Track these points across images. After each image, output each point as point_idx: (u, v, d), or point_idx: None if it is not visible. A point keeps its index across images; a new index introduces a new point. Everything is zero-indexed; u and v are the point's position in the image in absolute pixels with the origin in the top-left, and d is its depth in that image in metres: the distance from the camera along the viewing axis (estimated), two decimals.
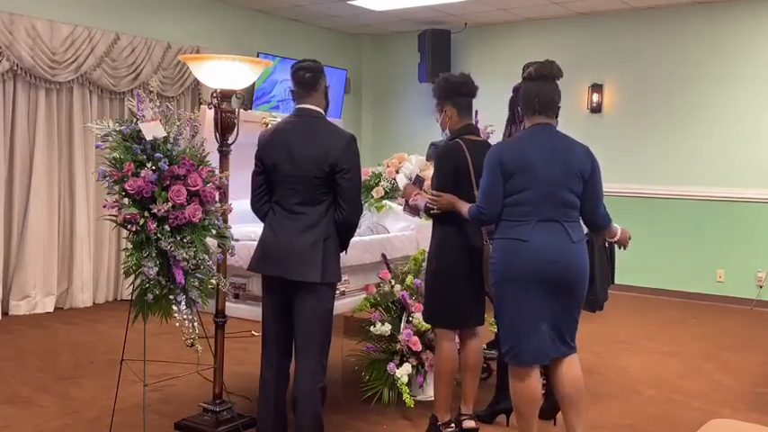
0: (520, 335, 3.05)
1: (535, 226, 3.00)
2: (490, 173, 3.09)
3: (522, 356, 3.06)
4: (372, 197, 4.93)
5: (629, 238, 3.40)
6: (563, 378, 3.13)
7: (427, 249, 4.36)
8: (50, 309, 6.39)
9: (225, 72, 3.51)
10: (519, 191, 3.04)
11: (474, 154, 3.49)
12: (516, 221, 3.04)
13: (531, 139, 3.11)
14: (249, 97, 7.60)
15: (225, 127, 3.56)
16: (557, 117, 3.16)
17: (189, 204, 3.15)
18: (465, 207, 3.33)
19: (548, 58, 3.24)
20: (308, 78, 3.17)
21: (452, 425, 3.62)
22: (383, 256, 4.22)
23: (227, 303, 3.72)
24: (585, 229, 3.23)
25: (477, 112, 6.57)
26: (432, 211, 3.52)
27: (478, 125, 6.18)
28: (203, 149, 3.37)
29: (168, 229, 3.11)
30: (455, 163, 3.50)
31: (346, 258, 3.40)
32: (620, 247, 3.40)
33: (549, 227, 3.01)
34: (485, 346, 4.32)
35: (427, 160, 5.73)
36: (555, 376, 3.16)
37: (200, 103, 6.83)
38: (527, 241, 2.99)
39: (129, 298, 3.29)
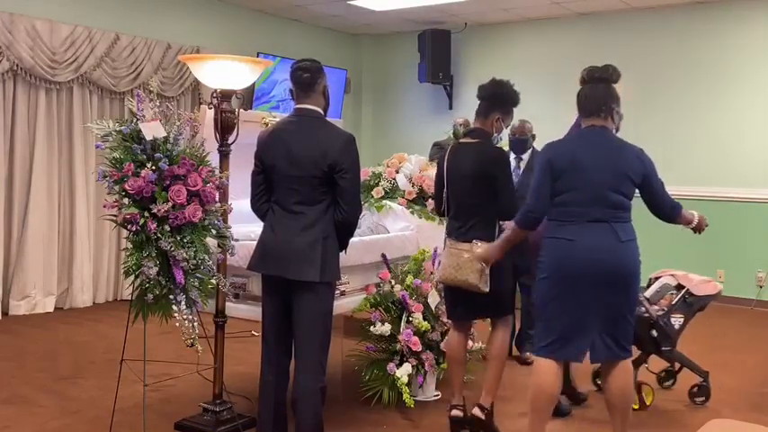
0: (563, 332, 3.12)
1: (583, 226, 3.07)
2: (540, 171, 3.18)
3: (562, 352, 3.15)
4: (372, 197, 4.93)
5: (707, 225, 3.43)
6: (610, 385, 3.20)
7: (427, 249, 4.40)
8: (50, 309, 6.39)
9: (225, 72, 3.51)
10: (567, 190, 3.11)
11: (454, 155, 3.72)
12: (564, 221, 3.12)
13: (582, 141, 3.20)
14: (249, 97, 7.60)
15: (225, 127, 3.56)
16: (612, 119, 3.21)
17: (189, 204, 3.16)
18: (509, 233, 3.38)
19: (607, 63, 3.29)
20: (305, 78, 3.16)
21: (458, 408, 3.75)
22: (383, 256, 4.22)
23: (227, 303, 3.72)
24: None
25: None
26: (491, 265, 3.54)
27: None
28: (203, 149, 3.37)
29: (168, 228, 3.11)
30: (439, 164, 3.83)
31: (346, 258, 3.40)
32: (695, 232, 3.42)
33: (596, 227, 3.07)
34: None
35: (430, 160, 5.74)
36: (604, 380, 3.24)
37: (201, 103, 6.83)
38: (574, 240, 3.07)
39: (129, 298, 3.29)
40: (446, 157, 3.73)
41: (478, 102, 3.75)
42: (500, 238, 3.49)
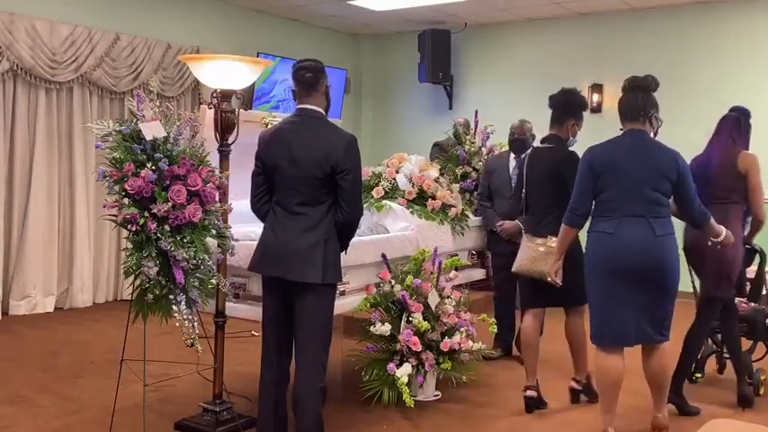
0: (603, 319, 3.48)
1: (621, 221, 3.38)
2: (581, 173, 3.53)
3: (603, 338, 3.50)
4: (372, 197, 4.93)
5: (731, 242, 3.71)
6: (646, 364, 3.55)
7: (427, 249, 4.41)
8: (50, 309, 6.39)
9: (225, 72, 3.51)
10: (607, 189, 3.44)
11: (532, 159, 4.16)
12: (604, 217, 3.45)
13: (621, 143, 3.51)
14: (249, 97, 7.59)
15: (225, 127, 3.56)
16: (651, 124, 3.52)
17: (189, 204, 3.16)
18: (560, 235, 3.68)
19: (647, 74, 3.58)
20: (308, 78, 3.15)
21: (532, 389, 4.08)
22: (383, 256, 4.22)
23: (227, 303, 3.71)
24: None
25: (477, 112, 6.57)
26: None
27: (478, 126, 6.19)
28: (203, 149, 3.37)
29: (168, 228, 3.11)
30: (519, 167, 4.32)
31: (346, 258, 3.41)
32: (721, 247, 3.72)
33: (634, 221, 3.37)
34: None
35: (431, 160, 5.74)
36: (643, 361, 3.56)
37: (201, 103, 6.83)
38: (612, 234, 3.39)
39: (129, 298, 3.29)
40: (525, 162, 4.19)
41: (551, 111, 4.11)
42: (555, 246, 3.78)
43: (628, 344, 3.50)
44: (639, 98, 3.51)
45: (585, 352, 4.15)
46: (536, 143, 4.27)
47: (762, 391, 4.37)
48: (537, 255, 3.98)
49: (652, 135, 3.54)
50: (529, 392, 4.09)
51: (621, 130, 3.62)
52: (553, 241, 3.85)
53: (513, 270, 4.17)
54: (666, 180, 3.38)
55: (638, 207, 3.37)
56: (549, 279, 3.78)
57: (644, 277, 3.36)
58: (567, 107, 4.06)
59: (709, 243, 3.70)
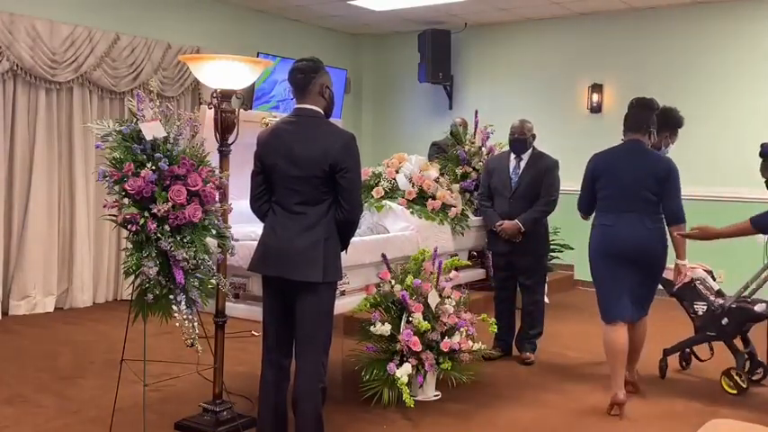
0: (608, 298, 4.04)
1: (619, 215, 4.00)
2: (584, 176, 4.20)
3: (609, 315, 4.04)
4: (372, 197, 4.93)
5: (681, 281, 4.29)
6: (632, 332, 4.09)
7: (427, 249, 4.41)
8: (50, 309, 6.39)
9: (225, 72, 3.51)
10: (607, 188, 4.06)
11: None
12: (605, 212, 4.07)
13: (620, 150, 4.15)
14: (249, 97, 7.60)
15: (225, 127, 3.56)
16: (650, 136, 4.12)
17: (189, 204, 3.16)
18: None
19: (651, 97, 4.18)
20: (298, 80, 3.14)
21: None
22: (383, 256, 4.22)
23: (227, 303, 3.71)
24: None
25: (477, 112, 6.57)
26: None
27: (478, 126, 6.20)
28: (203, 149, 3.37)
29: (168, 228, 3.11)
30: None
31: (346, 258, 3.40)
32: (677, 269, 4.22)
33: (629, 216, 3.98)
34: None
35: (429, 160, 5.74)
36: (630, 331, 4.07)
37: (201, 103, 6.83)
38: (612, 226, 4.01)
39: (129, 298, 3.29)
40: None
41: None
42: None
43: (626, 319, 4.02)
44: (645, 114, 4.10)
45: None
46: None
47: None
48: None
49: (649, 146, 4.11)
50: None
51: (623, 139, 4.17)
52: None
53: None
54: (656, 181, 3.96)
55: (633, 204, 3.97)
56: None
57: (637, 261, 3.95)
58: (661, 121, 4.36)
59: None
